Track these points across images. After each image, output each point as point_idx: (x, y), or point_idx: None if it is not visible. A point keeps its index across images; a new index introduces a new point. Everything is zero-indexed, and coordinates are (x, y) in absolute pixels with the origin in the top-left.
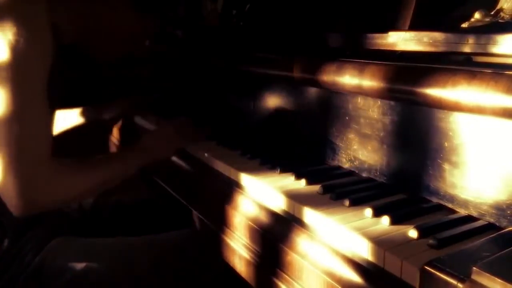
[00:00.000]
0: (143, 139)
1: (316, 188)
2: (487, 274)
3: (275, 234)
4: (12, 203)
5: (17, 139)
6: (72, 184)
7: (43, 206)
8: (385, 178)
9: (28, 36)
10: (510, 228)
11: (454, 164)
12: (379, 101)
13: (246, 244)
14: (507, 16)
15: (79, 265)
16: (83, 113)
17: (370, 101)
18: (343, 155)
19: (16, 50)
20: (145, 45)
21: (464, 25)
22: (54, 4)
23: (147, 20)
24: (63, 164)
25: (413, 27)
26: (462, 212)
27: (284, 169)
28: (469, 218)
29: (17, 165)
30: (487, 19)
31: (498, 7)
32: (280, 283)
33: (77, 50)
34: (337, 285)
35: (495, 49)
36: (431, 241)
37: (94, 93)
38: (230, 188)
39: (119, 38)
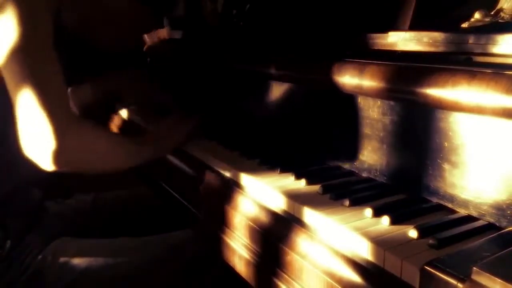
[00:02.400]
0: (157, 131)
1: (316, 188)
2: (487, 274)
3: (275, 234)
4: (46, 155)
5: (37, 79)
6: (96, 146)
7: (70, 163)
8: (385, 178)
9: None
10: (510, 228)
11: (454, 164)
12: (379, 101)
13: (246, 244)
14: (507, 16)
15: (80, 266)
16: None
17: (370, 101)
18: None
19: None
20: (142, 38)
21: (464, 25)
22: None
23: (146, 12)
24: (86, 122)
25: (413, 27)
26: (462, 212)
27: (284, 169)
28: (469, 218)
29: (45, 108)
30: (487, 19)
31: (498, 7)
32: (280, 283)
33: (77, 36)
34: (337, 285)
35: (495, 49)
36: (431, 241)
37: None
38: (230, 188)
39: (119, 28)
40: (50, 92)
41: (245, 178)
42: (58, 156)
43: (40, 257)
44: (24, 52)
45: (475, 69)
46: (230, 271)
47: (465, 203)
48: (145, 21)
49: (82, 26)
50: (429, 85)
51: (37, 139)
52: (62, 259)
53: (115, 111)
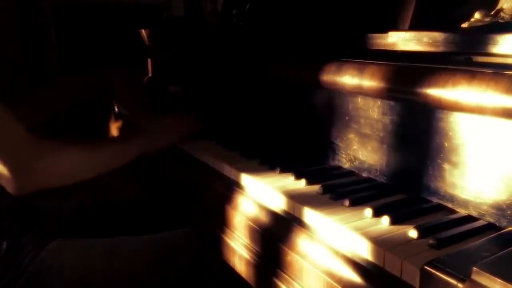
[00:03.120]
0: (147, 126)
1: (316, 188)
2: (487, 274)
3: (275, 234)
4: (6, 184)
5: None
6: (64, 162)
7: (37, 185)
8: (385, 178)
9: None
10: (510, 228)
11: (454, 164)
12: (379, 101)
13: (246, 244)
14: (507, 16)
15: (78, 267)
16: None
17: (370, 101)
18: (343, 155)
19: None
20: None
21: (464, 25)
22: None
23: None
24: (49, 141)
25: (413, 27)
26: (462, 212)
27: (284, 169)
28: (469, 218)
29: None
30: (487, 19)
31: (498, 7)
32: (280, 283)
33: None
34: (337, 285)
35: (495, 49)
36: (431, 241)
37: None
38: (230, 188)
39: None
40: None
41: (245, 178)
42: (23, 187)
43: (39, 257)
44: None
45: (475, 69)
46: (230, 271)
47: (465, 203)
48: None
49: None
50: (429, 85)
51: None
52: (61, 260)
53: (113, 110)
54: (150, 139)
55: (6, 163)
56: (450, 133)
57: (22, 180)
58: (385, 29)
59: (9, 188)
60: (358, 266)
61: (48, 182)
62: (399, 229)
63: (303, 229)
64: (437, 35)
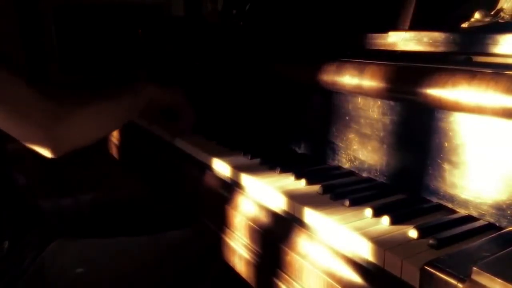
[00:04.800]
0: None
1: (316, 188)
2: (487, 274)
3: (275, 234)
4: (42, 148)
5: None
6: (83, 122)
7: (67, 145)
8: (385, 178)
9: None
10: (510, 228)
11: (454, 164)
12: (379, 101)
13: (246, 244)
14: (507, 16)
15: (79, 267)
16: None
17: (370, 101)
18: (343, 155)
19: None
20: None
21: (464, 25)
22: None
23: None
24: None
25: (413, 27)
26: (462, 212)
27: (284, 169)
28: (469, 218)
29: (25, 116)
30: (487, 19)
31: (498, 7)
32: (280, 283)
33: None
34: (337, 285)
35: (495, 49)
36: (431, 241)
37: None
38: (230, 188)
39: None
40: (16, 110)
41: (245, 178)
42: (56, 150)
43: (39, 257)
44: None
45: (475, 69)
46: (230, 271)
47: (465, 203)
48: None
49: None
50: (429, 85)
51: (33, 146)
52: (61, 260)
53: None
54: (157, 90)
55: (38, 129)
56: (450, 133)
57: (53, 142)
58: (385, 29)
59: (46, 151)
60: (358, 266)
61: (76, 141)
62: (399, 229)
63: (303, 229)
64: (437, 35)
